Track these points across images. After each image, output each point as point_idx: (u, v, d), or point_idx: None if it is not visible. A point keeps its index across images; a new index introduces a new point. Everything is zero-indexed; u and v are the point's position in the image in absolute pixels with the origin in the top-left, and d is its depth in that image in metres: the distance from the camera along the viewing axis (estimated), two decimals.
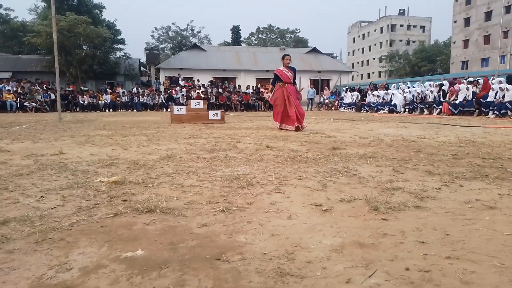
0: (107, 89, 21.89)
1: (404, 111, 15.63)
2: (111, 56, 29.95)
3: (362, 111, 18.19)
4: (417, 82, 18.11)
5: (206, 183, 2.42)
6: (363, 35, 69.02)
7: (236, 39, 50.49)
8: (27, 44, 27.52)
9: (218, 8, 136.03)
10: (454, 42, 44.48)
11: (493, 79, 13.17)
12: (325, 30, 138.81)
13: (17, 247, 1.40)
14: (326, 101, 22.29)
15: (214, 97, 21.35)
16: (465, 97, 12.63)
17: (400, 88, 17.10)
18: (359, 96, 19.70)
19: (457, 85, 13.32)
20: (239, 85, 25.99)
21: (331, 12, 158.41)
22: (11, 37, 34.37)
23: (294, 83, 7.12)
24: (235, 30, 51.09)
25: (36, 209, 1.87)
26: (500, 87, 11.50)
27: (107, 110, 19.90)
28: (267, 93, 22.67)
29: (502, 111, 11.20)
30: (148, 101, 21.06)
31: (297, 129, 6.56)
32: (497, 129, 6.69)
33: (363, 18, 73.53)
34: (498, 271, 1.19)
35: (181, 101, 19.77)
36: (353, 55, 71.90)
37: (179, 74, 26.39)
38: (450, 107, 12.95)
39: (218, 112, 9.91)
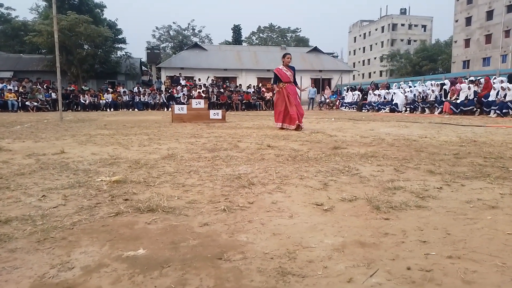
0: (108, 89, 21.97)
1: (406, 110, 15.61)
2: (112, 56, 30.02)
3: (363, 110, 18.16)
4: (418, 82, 18.10)
5: (207, 183, 2.42)
6: (364, 34, 68.91)
7: (237, 39, 50.42)
8: (28, 44, 27.66)
9: (219, 8, 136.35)
10: (456, 42, 44.40)
11: (495, 78, 13.14)
12: (326, 30, 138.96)
13: (19, 246, 1.40)
14: (327, 100, 22.24)
15: (215, 96, 21.37)
16: (467, 96, 12.61)
17: (402, 88, 17.06)
18: (360, 95, 19.68)
19: (458, 84, 13.28)
20: (240, 85, 26.01)
21: (331, 12, 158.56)
22: (12, 36, 34.41)
23: (295, 83, 7.10)
24: (236, 30, 51.00)
25: (38, 208, 1.87)
26: (501, 87, 11.48)
27: (108, 110, 19.94)
28: (268, 93, 22.59)
29: (504, 111, 11.17)
30: (149, 100, 21.10)
31: (298, 128, 6.56)
32: (498, 129, 6.67)
33: (363, 18, 73.34)
34: (500, 271, 1.19)
35: (182, 101, 19.79)
36: (354, 54, 71.80)
37: (180, 73, 26.41)
38: (451, 107, 12.92)
39: (219, 111, 9.90)
